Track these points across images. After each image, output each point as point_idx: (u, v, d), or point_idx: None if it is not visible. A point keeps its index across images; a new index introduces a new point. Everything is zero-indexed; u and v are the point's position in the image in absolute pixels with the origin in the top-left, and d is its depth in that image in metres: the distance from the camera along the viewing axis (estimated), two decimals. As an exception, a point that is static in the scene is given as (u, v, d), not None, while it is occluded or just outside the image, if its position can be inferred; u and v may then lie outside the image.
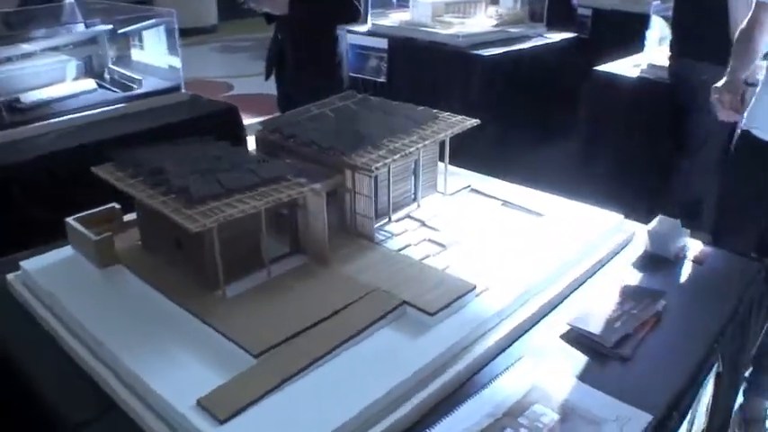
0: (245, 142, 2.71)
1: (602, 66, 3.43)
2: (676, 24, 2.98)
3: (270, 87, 3.24)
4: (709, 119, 2.94)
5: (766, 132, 1.83)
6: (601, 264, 1.47)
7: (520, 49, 3.85)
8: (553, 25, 4.22)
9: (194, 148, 1.42)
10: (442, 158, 1.66)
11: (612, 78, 3.34)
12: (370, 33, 3.97)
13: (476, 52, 3.67)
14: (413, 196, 1.60)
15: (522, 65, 3.84)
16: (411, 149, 1.43)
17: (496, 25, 4.03)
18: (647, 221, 1.58)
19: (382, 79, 3.96)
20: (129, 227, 1.46)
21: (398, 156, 1.40)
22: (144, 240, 1.41)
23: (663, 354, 1.22)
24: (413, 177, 1.58)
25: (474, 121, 1.59)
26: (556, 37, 4.11)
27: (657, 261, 1.51)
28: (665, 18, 3.65)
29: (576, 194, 1.70)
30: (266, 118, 1.63)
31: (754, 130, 1.87)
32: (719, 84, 2.00)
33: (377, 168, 1.35)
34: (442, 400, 1.06)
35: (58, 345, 1.22)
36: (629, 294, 1.36)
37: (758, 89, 1.92)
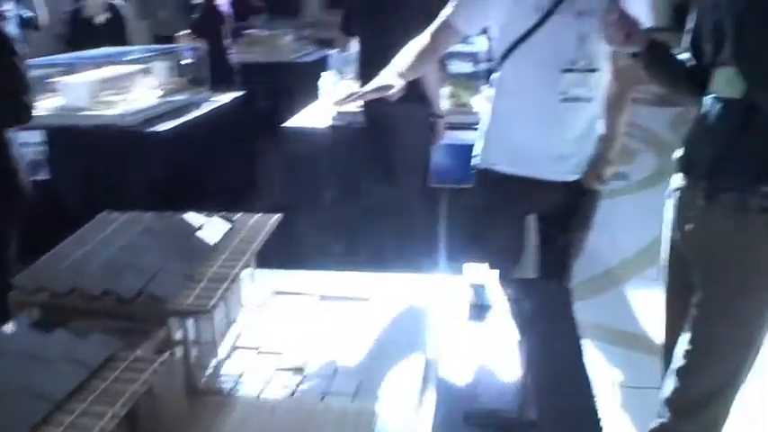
0: None
1: (289, 122, 3.40)
2: (363, 66, 2.98)
3: None
4: (407, 151, 3.12)
5: (510, 165, 1.87)
6: (450, 329, 1.41)
7: (196, 117, 3.67)
8: (216, 87, 4.12)
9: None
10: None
11: (304, 133, 3.29)
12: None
13: (150, 129, 3.38)
14: (226, 321, 1.34)
15: (201, 131, 3.66)
16: (235, 271, 1.19)
17: (160, 97, 3.76)
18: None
19: (44, 177, 3.42)
20: None
21: (227, 283, 1.15)
22: None
23: (559, 404, 1.21)
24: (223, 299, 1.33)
25: (277, 217, 1.40)
26: (224, 98, 4.02)
27: (484, 310, 1.51)
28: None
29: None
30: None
31: (496, 167, 1.89)
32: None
33: (212, 306, 1.09)
34: None
35: None
36: (490, 353, 1.33)
37: (485, 128, 1.94)
